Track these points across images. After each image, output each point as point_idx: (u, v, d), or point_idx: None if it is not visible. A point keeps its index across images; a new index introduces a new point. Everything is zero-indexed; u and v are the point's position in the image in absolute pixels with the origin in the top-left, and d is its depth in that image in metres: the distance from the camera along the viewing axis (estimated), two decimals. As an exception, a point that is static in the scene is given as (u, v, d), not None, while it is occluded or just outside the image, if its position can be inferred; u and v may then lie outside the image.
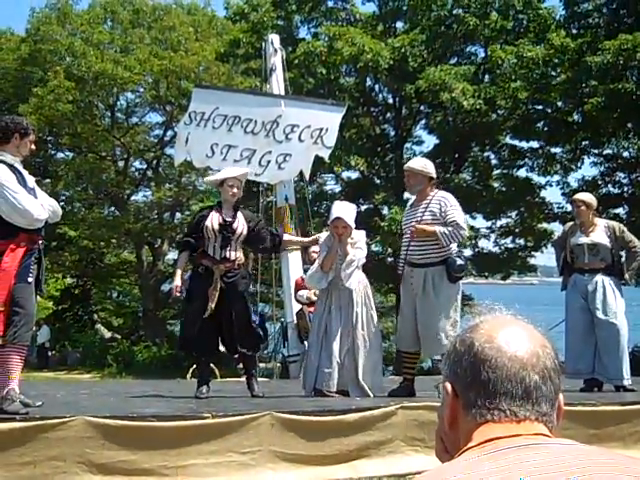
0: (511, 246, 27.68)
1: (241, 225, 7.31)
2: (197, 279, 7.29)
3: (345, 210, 7.70)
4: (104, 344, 34.06)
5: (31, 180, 6.01)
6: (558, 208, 26.16)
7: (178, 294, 7.45)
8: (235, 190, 7.38)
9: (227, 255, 7.22)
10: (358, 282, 7.50)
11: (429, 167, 7.42)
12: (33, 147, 6.10)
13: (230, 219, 7.27)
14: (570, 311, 8.14)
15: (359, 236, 7.64)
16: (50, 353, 33.51)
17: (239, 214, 7.38)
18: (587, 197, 8.33)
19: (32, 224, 5.76)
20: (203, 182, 8.00)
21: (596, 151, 25.37)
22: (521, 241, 27.50)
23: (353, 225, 7.58)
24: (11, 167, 5.79)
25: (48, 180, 31.99)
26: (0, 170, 5.71)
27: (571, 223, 8.39)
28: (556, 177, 25.99)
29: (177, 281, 7.38)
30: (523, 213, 26.51)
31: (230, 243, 7.24)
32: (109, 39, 32.73)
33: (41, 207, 5.82)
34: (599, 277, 7.93)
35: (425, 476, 1.36)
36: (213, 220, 7.22)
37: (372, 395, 7.20)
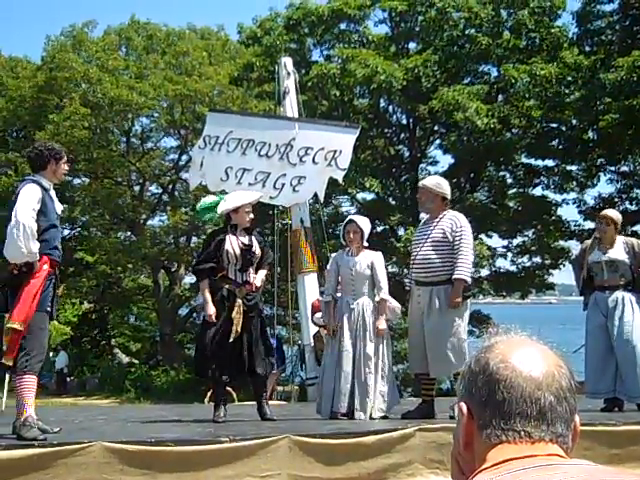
0: (528, 264, 27.57)
1: (258, 248, 7.37)
2: (219, 304, 7.17)
3: (358, 217, 8.08)
4: (122, 369, 34.08)
5: (59, 207, 6.13)
6: (575, 226, 26.08)
7: (215, 320, 7.14)
8: (252, 215, 7.49)
9: (247, 278, 7.26)
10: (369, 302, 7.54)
11: (443, 186, 7.42)
12: (67, 167, 6.29)
13: (248, 242, 7.30)
14: (590, 329, 8.05)
15: (377, 258, 7.65)
16: (68, 379, 33.56)
17: (253, 237, 7.43)
18: (614, 214, 8.25)
19: (16, 256, 5.75)
20: (218, 212, 7.79)
21: (612, 168, 25.30)
22: (538, 259, 27.38)
23: (366, 235, 7.66)
24: (46, 192, 5.89)
25: (65, 205, 32.18)
26: (33, 190, 5.79)
27: (589, 240, 8.33)
28: (572, 195, 25.96)
29: (212, 309, 7.11)
30: (539, 231, 26.42)
31: (250, 266, 7.27)
32: (124, 65, 32.99)
33: (34, 245, 5.76)
34: (619, 294, 7.85)
35: None
36: (233, 244, 7.22)
37: (370, 418, 7.18)
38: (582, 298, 8.25)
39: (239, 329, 7.07)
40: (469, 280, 7.14)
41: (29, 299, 5.66)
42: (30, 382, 5.68)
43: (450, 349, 6.97)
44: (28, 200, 5.76)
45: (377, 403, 7.29)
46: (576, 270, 8.39)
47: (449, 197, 7.46)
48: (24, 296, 5.67)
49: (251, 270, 7.30)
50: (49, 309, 5.84)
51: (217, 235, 7.44)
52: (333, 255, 8.14)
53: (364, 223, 7.77)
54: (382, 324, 7.43)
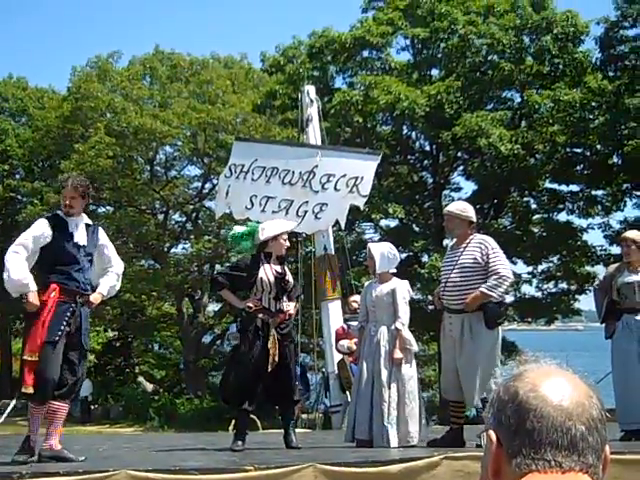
0: (554, 290, 27.35)
1: (291, 277, 7.40)
2: (252, 332, 7.12)
3: (374, 244, 8.16)
4: (146, 397, 34.04)
5: (81, 237, 6.07)
6: (601, 250, 25.87)
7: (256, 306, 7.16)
8: (288, 243, 7.54)
9: (281, 307, 7.25)
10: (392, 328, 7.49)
11: (468, 211, 7.37)
12: (67, 202, 6.08)
13: (281, 271, 7.29)
14: (619, 354, 7.79)
15: (399, 286, 7.61)
16: (93, 407, 33.57)
17: (285, 267, 7.44)
18: (634, 234, 8.09)
19: (8, 288, 5.81)
20: (256, 240, 7.83)
21: (638, 192, 25.13)
22: (564, 285, 27.18)
23: (384, 261, 7.61)
24: (62, 224, 5.93)
25: (90, 235, 32.32)
26: (35, 226, 5.91)
27: (616, 264, 8.19)
28: (597, 219, 25.79)
29: (245, 303, 7.19)
30: (565, 257, 26.23)
31: (284, 294, 7.27)
32: (148, 94, 33.29)
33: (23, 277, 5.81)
34: None
35: None
36: (267, 272, 7.20)
37: (393, 445, 7.12)
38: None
39: (276, 358, 7.05)
40: (496, 298, 7.01)
41: (37, 329, 5.67)
42: (35, 412, 5.75)
43: (482, 378, 6.87)
44: (24, 235, 5.87)
45: (398, 431, 7.21)
46: (598, 296, 8.20)
47: (475, 221, 7.42)
48: (32, 327, 5.70)
49: (285, 298, 7.28)
50: (56, 339, 5.76)
51: (247, 259, 7.44)
52: (366, 283, 8.18)
53: (377, 249, 7.75)
54: (397, 353, 7.37)
